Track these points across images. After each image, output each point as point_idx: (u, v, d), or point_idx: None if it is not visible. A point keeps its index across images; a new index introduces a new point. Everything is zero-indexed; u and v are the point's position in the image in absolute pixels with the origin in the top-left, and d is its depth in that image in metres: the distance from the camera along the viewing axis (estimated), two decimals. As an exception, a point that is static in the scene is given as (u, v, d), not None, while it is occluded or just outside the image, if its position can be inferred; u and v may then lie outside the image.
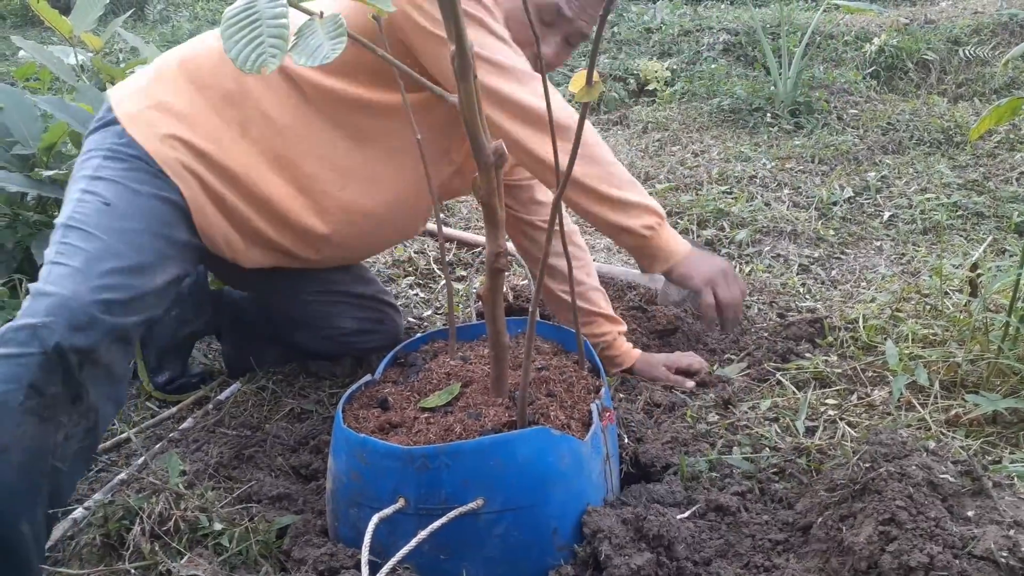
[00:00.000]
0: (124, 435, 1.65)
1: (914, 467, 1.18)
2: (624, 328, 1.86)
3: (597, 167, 1.50)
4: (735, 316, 1.62)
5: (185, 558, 1.15)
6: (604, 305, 1.84)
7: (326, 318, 1.87)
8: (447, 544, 1.22)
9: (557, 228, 1.25)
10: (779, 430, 1.57)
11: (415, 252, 2.69)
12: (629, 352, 1.85)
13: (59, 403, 1.17)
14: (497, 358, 1.38)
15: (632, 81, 5.09)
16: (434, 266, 2.60)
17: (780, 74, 4.21)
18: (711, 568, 1.24)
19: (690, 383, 1.79)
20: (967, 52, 5.12)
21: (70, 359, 1.17)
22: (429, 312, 2.32)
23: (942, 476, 1.19)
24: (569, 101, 2.53)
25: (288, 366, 1.97)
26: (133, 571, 1.16)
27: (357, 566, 1.23)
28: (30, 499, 1.16)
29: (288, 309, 1.85)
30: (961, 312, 1.83)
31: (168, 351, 1.89)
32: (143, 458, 1.43)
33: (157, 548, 1.16)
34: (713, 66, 5.09)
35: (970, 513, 1.17)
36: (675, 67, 5.18)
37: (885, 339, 1.83)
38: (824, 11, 5.66)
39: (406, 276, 2.55)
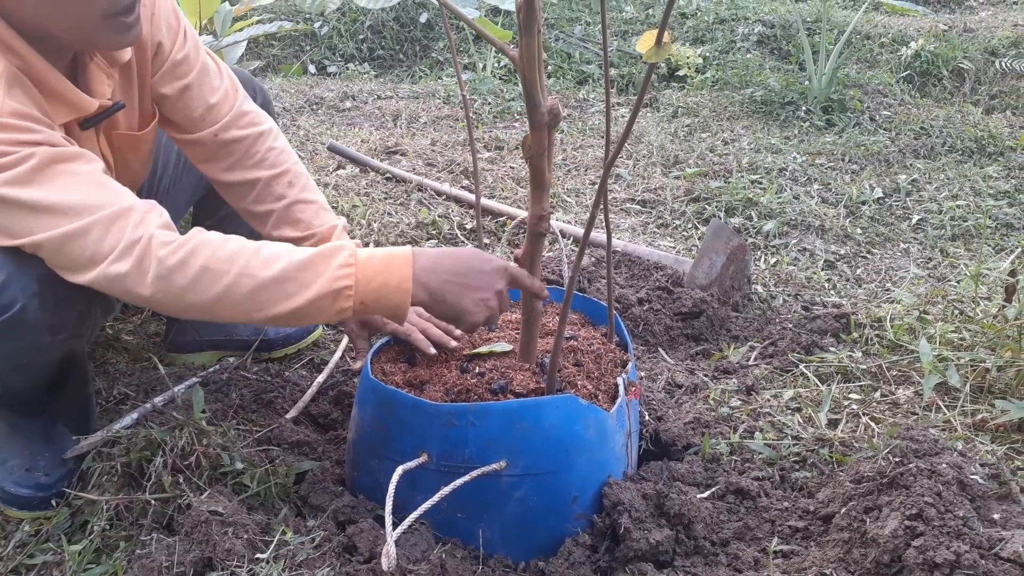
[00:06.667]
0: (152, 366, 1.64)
1: (945, 465, 1.17)
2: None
3: (251, 298, 1.10)
4: None
5: (206, 493, 1.14)
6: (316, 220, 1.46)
7: None
8: (466, 503, 1.22)
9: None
10: (801, 420, 1.56)
11: (439, 216, 2.66)
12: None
13: None
14: (528, 323, 1.37)
15: (663, 65, 5.02)
16: (457, 231, 2.57)
17: (815, 70, 4.15)
18: (729, 549, 1.24)
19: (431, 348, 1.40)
20: (1004, 64, 5.05)
21: None
22: (450, 276, 2.30)
23: (972, 477, 1.18)
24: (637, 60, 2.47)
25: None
26: (153, 502, 1.15)
27: (376, 517, 1.22)
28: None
29: None
30: (994, 318, 1.81)
31: None
32: (169, 392, 1.42)
33: (181, 480, 1.15)
34: (748, 56, 5.03)
35: (996, 516, 1.17)
36: (707, 54, 5.11)
37: (912, 339, 1.81)
38: (865, 11, 5.57)
39: (429, 239, 2.53)
